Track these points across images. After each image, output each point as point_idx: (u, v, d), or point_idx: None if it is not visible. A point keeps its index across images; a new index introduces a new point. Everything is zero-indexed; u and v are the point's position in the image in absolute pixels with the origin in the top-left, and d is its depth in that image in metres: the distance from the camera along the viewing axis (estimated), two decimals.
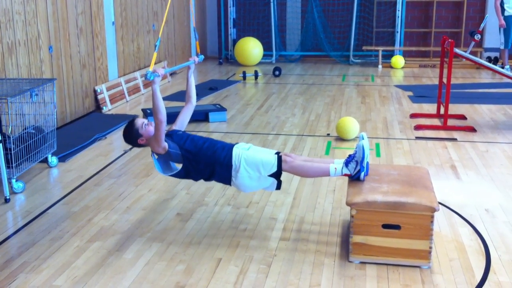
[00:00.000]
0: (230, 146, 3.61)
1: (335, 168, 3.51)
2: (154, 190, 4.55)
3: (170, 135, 3.65)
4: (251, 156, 3.53)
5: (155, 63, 3.58)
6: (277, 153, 3.63)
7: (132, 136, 3.63)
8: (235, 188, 4.51)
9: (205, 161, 3.55)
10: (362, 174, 3.45)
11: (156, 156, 3.62)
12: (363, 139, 3.52)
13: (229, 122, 6.80)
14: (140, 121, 3.63)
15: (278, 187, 3.57)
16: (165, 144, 3.51)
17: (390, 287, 3.08)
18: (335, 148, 5.67)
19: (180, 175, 3.64)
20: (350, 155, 3.53)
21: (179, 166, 3.68)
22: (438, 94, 6.92)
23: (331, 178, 4.72)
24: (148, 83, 8.77)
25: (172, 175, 3.64)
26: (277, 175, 3.52)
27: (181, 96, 7.82)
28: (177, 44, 10.76)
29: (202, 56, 4.04)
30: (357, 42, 11.94)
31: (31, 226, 3.90)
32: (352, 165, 3.47)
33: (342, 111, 7.35)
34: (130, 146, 5.74)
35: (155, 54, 3.54)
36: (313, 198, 4.35)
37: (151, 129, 3.57)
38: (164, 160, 3.68)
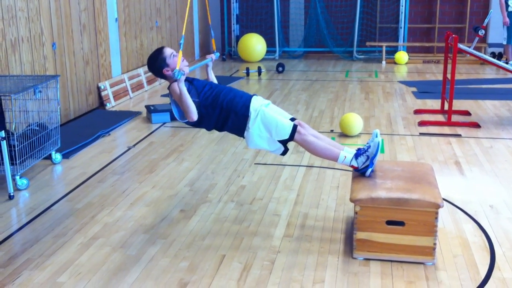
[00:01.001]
0: (249, 96, 3.58)
1: (345, 156, 3.47)
2: (158, 187, 4.55)
3: (190, 81, 3.61)
4: (268, 115, 3.47)
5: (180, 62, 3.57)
6: (293, 119, 3.59)
7: (158, 65, 3.57)
8: (238, 185, 4.53)
9: (221, 107, 3.50)
10: (369, 170, 3.43)
11: (173, 98, 3.55)
12: (377, 136, 3.49)
13: None
14: (169, 51, 3.58)
15: (284, 153, 3.54)
16: (195, 116, 3.48)
17: (394, 284, 3.07)
18: None
19: (193, 122, 3.56)
20: (360, 148, 3.51)
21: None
22: (442, 90, 6.90)
23: (334, 174, 4.71)
24: (152, 79, 8.77)
25: (186, 122, 3.59)
26: (286, 142, 3.49)
27: None
28: (179, 41, 10.73)
29: (218, 53, 4.05)
30: (361, 38, 11.91)
31: (35, 223, 3.91)
32: (362, 159, 3.44)
33: (345, 107, 7.33)
34: (134, 143, 5.75)
35: (180, 53, 3.52)
36: (317, 194, 4.34)
37: (176, 60, 3.52)
38: (179, 105, 3.61)
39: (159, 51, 3.60)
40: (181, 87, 3.42)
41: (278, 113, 3.62)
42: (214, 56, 3.95)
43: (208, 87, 3.60)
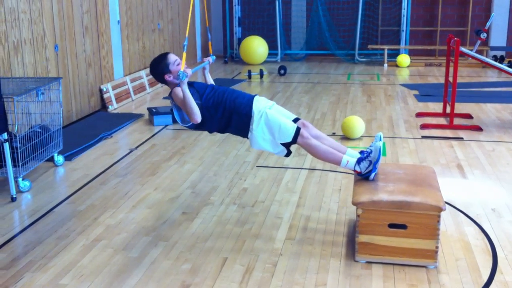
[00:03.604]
0: (251, 96, 3.59)
1: (347, 161, 3.47)
2: (160, 189, 4.56)
3: (191, 84, 3.61)
4: (272, 117, 3.47)
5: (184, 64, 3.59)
6: (296, 119, 3.59)
7: (162, 70, 3.59)
8: (240, 187, 4.53)
9: (224, 108, 3.51)
10: (373, 174, 3.43)
11: (174, 103, 3.58)
12: (380, 140, 3.49)
13: None
14: (173, 58, 3.60)
15: (287, 155, 3.55)
16: (199, 118, 3.48)
17: (396, 287, 3.07)
18: None
19: (195, 125, 3.58)
20: (363, 152, 3.51)
21: None
22: (444, 93, 6.90)
23: (336, 177, 4.71)
24: (154, 82, 8.78)
25: (188, 126, 3.60)
26: (289, 144, 3.49)
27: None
28: (183, 43, 10.75)
29: (214, 57, 4.07)
30: (362, 40, 11.91)
31: (37, 225, 3.91)
32: (364, 164, 3.44)
33: (347, 110, 7.34)
34: (136, 145, 5.76)
35: (184, 54, 3.53)
36: (319, 197, 4.34)
37: (179, 68, 3.52)
38: (181, 110, 3.63)
39: (163, 56, 3.61)
40: (185, 89, 3.43)
41: (282, 114, 3.62)
42: (210, 59, 3.97)
43: (209, 89, 3.61)
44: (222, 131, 3.66)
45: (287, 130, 3.46)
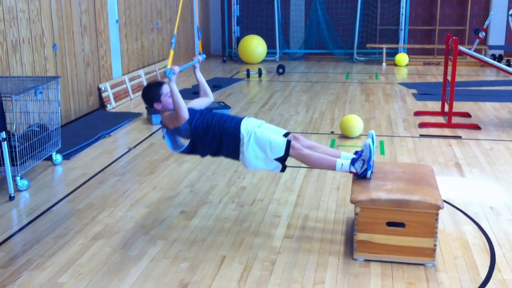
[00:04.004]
0: (240, 118, 3.61)
1: (342, 164, 3.49)
2: (158, 188, 4.56)
3: None
4: (261, 135, 3.49)
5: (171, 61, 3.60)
6: (287, 134, 3.61)
7: (152, 97, 3.60)
8: (239, 186, 4.53)
9: (213, 131, 3.52)
10: (369, 172, 3.44)
11: (166, 130, 3.61)
12: (371, 137, 3.50)
13: None
14: (167, 89, 3.61)
15: (283, 170, 3.56)
16: (186, 115, 3.49)
17: (395, 285, 3.07)
18: (339, 146, 5.67)
19: (187, 150, 3.61)
20: (356, 152, 3.52)
21: (185, 142, 3.66)
22: (442, 92, 6.90)
23: (335, 175, 4.71)
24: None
25: (180, 152, 3.63)
26: (283, 159, 3.51)
27: (186, 94, 7.79)
28: (181, 42, 10.76)
29: (204, 55, 4.07)
30: (361, 39, 11.92)
31: (35, 224, 3.91)
32: (358, 163, 3.45)
33: (346, 109, 7.34)
34: (134, 144, 5.75)
35: (171, 52, 3.54)
36: (317, 196, 4.34)
37: (171, 101, 3.54)
38: (172, 135, 3.66)
39: (158, 85, 3.64)
40: (172, 87, 3.44)
41: (272, 130, 3.65)
42: (200, 58, 3.98)
43: (198, 115, 3.63)
44: (214, 154, 3.69)
45: (277, 144, 3.49)
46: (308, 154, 3.52)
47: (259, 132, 3.52)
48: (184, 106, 3.47)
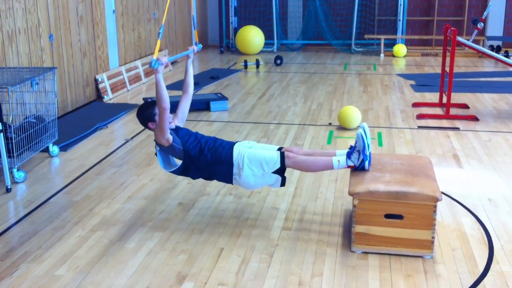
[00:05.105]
0: (231, 144, 3.61)
1: (338, 161, 3.49)
2: (156, 180, 4.54)
3: (176, 129, 3.64)
4: (253, 154, 3.52)
5: (158, 51, 3.55)
6: (279, 148, 3.63)
7: (146, 116, 3.59)
8: None
9: (206, 159, 3.54)
10: (367, 163, 3.43)
11: (159, 148, 3.61)
12: (362, 127, 3.49)
13: (231, 111, 6.77)
14: None
15: (283, 183, 3.56)
16: (169, 136, 3.49)
17: (392, 277, 3.07)
18: (337, 138, 5.66)
19: (179, 171, 3.63)
20: (351, 146, 3.52)
21: (179, 162, 3.67)
22: (440, 83, 6.89)
23: None
24: (150, 72, 8.73)
25: (171, 171, 3.64)
26: (281, 171, 3.51)
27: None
28: (178, 32, 10.71)
29: (201, 45, 4.03)
30: (359, 30, 11.87)
31: (32, 216, 3.90)
32: (354, 155, 3.45)
33: (344, 100, 7.32)
34: (131, 135, 5.74)
35: (158, 42, 3.51)
36: (315, 187, 4.34)
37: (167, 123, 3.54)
38: (166, 154, 3.68)
39: (152, 105, 3.61)
40: (158, 78, 3.40)
41: (264, 148, 3.67)
42: (196, 48, 3.94)
43: (193, 138, 3.63)
44: (206, 179, 3.72)
45: (272, 158, 3.50)
46: (303, 160, 3.54)
47: (252, 152, 3.54)
48: (166, 98, 3.41)
